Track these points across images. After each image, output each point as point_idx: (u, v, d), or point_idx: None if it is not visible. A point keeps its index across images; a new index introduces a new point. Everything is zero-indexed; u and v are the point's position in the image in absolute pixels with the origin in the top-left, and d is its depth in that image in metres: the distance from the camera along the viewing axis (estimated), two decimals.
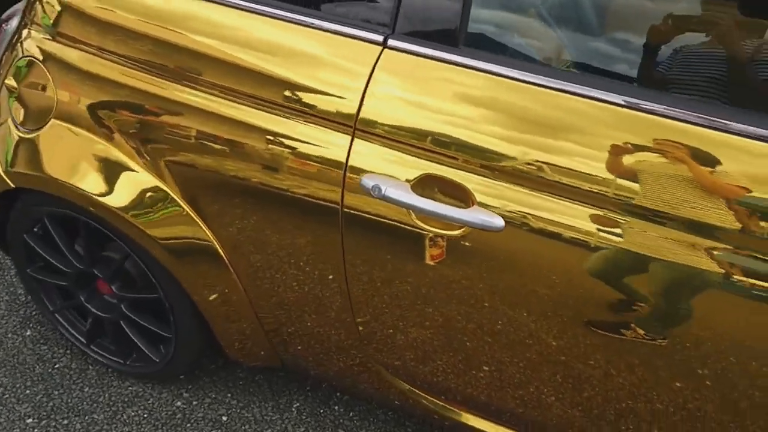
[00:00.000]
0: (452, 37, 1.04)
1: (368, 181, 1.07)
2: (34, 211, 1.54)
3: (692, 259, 0.93)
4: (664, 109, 0.93)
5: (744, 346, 0.94)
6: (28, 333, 1.88)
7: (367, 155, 1.09)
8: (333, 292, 1.27)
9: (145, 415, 1.67)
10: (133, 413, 1.67)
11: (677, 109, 0.92)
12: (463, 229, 1.05)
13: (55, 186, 1.38)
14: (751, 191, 0.89)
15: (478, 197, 1.03)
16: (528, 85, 0.99)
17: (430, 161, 1.04)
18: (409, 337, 1.25)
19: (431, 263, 1.10)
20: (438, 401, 1.35)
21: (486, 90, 1.01)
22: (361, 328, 1.30)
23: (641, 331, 1.00)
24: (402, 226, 1.09)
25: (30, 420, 1.63)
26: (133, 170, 1.31)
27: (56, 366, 1.79)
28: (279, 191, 1.18)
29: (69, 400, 1.69)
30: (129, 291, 1.57)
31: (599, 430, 1.17)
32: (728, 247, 0.91)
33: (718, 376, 0.98)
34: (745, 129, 0.89)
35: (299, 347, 1.46)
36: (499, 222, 1.01)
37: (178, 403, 1.71)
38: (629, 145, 0.94)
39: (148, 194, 1.31)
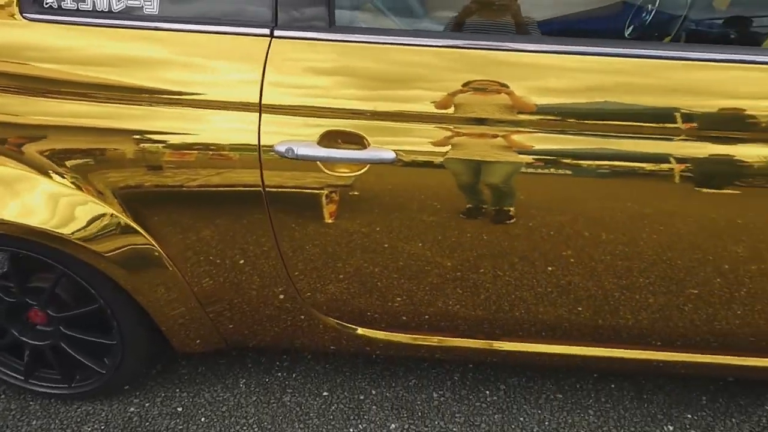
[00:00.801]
0: (323, 20, 1.31)
1: (281, 147, 1.32)
2: None
3: (506, 155, 1.28)
4: (473, 44, 1.28)
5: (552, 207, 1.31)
6: None
7: (275, 130, 1.33)
8: (268, 261, 1.49)
9: (102, 427, 1.77)
10: (89, 429, 1.76)
11: (478, 42, 1.28)
12: (366, 167, 1.33)
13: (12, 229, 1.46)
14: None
15: (371, 140, 1.31)
16: (379, 46, 1.29)
17: (329, 118, 1.31)
18: (336, 276, 1.50)
19: (340, 213, 1.37)
20: (363, 329, 1.61)
21: (353, 57, 1.30)
22: (296, 283, 1.53)
23: (496, 217, 1.35)
24: (314, 188, 1.35)
25: None
26: (67, 194, 1.44)
27: None
28: (205, 187, 1.38)
29: None
30: (65, 311, 1.67)
31: (504, 308, 1.50)
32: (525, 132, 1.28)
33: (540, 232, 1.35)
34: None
35: (240, 320, 1.65)
36: (391, 155, 1.30)
37: (132, 409, 1.82)
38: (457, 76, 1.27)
39: (88, 214, 1.45)
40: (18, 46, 1.38)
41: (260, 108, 1.33)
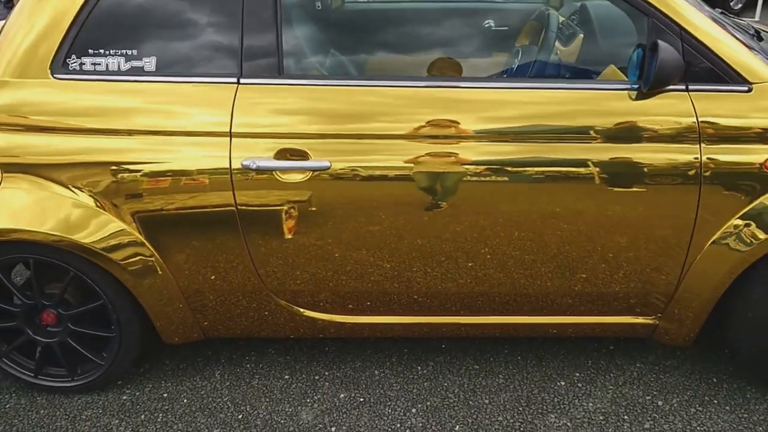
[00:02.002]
0: (275, 71, 1.84)
1: (247, 162, 1.81)
2: None
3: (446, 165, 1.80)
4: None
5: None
6: None
7: (243, 151, 1.82)
8: (239, 263, 1.95)
9: (100, 412, 2.12)
10: (90, 413, 2.11)
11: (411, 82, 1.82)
12: (309, 174, 1.82)
13: (29, 234, 1.89)
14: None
15: (312, 154, 1.81)
16: (314, 87, 1.83)
17: (279, 139, 1.82)
18: (295, 268, 1.95)
19: (294, 217, 1.85)
20: (319, 314, 2.05)
21: (301, 97, 1.82)
22: (262, 277, 1.97)
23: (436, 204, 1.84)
24: (271, 205, 1.83)
25: None
26: (93, 214, 1.89)
27: (7, 406, 2.16)
28: (190, 210, 1.86)
29: (30, 421, 2.08)
30: (73, 309, 2.07)
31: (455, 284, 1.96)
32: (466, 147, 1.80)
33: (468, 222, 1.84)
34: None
35: (217, 314, 2.07)
36: (327, 164, 1.80)
37: (124, 397, 2.19)
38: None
39: (109, 230, 1.90)
40: (49, 100, 1.88)
41: (230, 134, 1.83)
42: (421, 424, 2.02)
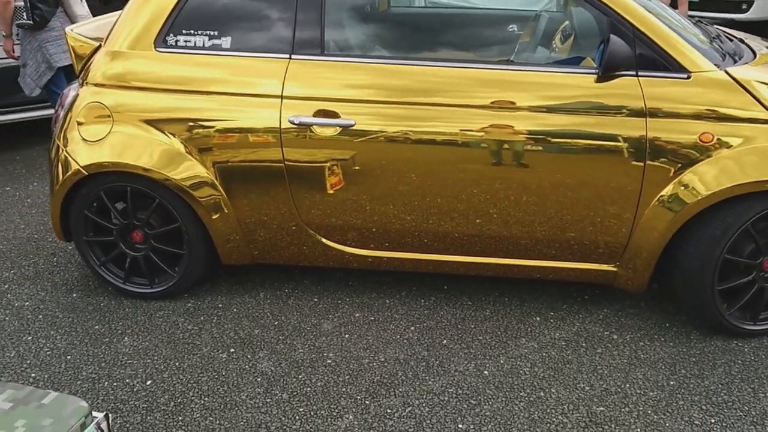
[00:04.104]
0: (319, 48, 2.42)
1: (292, 118, 2.38)
2: (94, 192, 2.65)
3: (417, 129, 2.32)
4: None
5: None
6: (74, 295, 2.88)
7: (289, 111, 2.40)
8: (283, 204, 2.52)
9: (170, 312, 2.73)
10: (162, 313, 2.73)
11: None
12: (339, 129, 2.37)
13: (135, 168, 2.52)
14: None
15: (341, 113, 2.37)
16: (364, 64, 2.38)
17: (318, 102, 2.38)
18: (323, 203, 2.51)
19: (326, 159, 2.41)
20: (347, 248, 2.60)
21: (335, 71, 2.38)
22: (299, 210, 2.54)
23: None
24: (310, 161, 2.40)
25: (98, 327, 2.64)
26: (181, 155, 2.51)
27: (102, 304, 2.80)
28: (250, 162, 2.45)
29: (119, 315, 2.72)
30: (155, 229, 2.69)
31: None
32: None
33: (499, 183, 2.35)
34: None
35: (263, 242, 2.65)
36: (352, 122, 2.35)
37: (189, 305, 2.79)
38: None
39: (193, 171, 2.51)
40: (151, 69, 2.52)
41: (281, 98, 2.41)
42: (416, 337, 2.52)
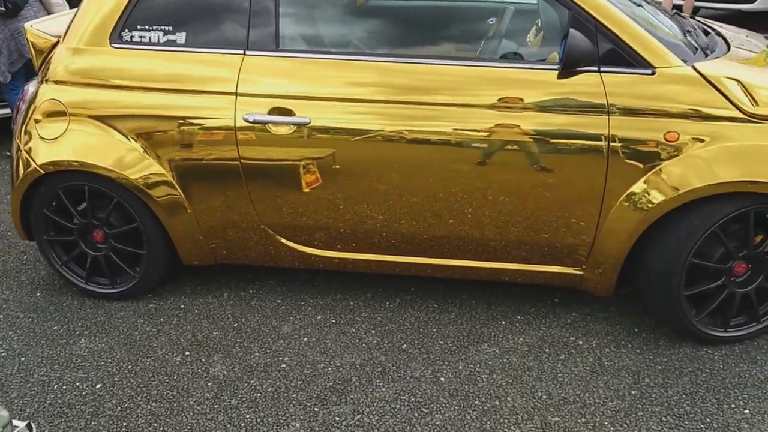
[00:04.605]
0: (273, 43, 2.34)
1: (247, 116, 2.32)
2: (52, 191, 2.61)
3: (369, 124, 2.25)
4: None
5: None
6: (38, 294, 2.85)
7: (244, 109, 2.33)
8: (241, 204, 2.46)
9: (131, 313, 2.69)
10: (122, 314, 2.68)
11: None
12: (294, 127, 2.30)
13: (90, 167, 2.47)
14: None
15: (297, 111, 2.30)
16: (298, 59, 2.31)
17: (273, 99, 2.31)
18: (283, 204, 2.44)
19: (280, 157, 2.34)
20: (313, 250, 2.54)
21: (291, 67, 2.31)
22: (257, 210, 2.47)
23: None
24: (266, 159, 2.33)
25: (56, 327, 2.60)
26: (137, 154, 2.46)
27: (64, 304, 2.76)
28: (206, 161, 2.39)
29: (79, 316, 2.68)
30: (115, 228, 2.64)
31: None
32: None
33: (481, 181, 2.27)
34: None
35: (224, 243, 2.59)
36: (307, 119, 2.28)
37: (150, 305, 2.74)
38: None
39: (150, 171, 2.46)
40: (107, 65, 2.46)
41: (236, 94, 2.35)
42: (376, 341, 2.46)
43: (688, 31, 2.46)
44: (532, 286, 2.73)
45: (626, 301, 2.64)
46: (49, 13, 3.96)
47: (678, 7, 8.05)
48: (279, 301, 2.74)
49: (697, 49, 2.31)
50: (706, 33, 2.59)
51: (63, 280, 2.88)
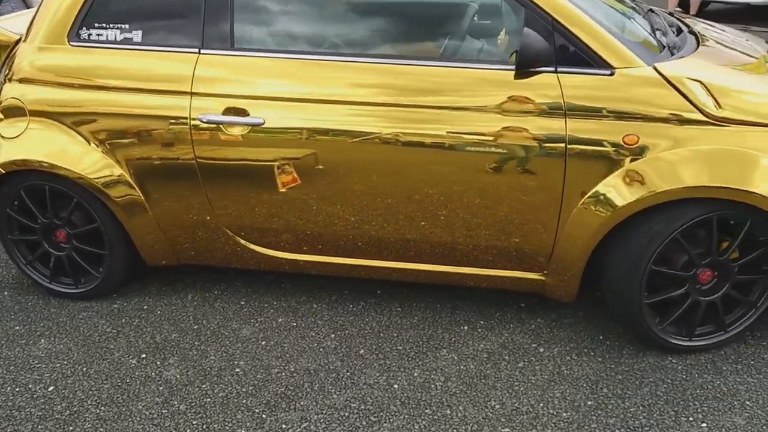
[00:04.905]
0: (228, 42, 2.30)
1: (201, 116, 2.28)
2: (14, 190, 2.59)
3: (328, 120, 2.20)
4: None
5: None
6: (5, 293, 2.84)
7: (198, 108, 2.29)
8: (199, 205, 2.42)
9: (93, 314, 2.67)
10: (86, 314, 2.67)
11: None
12: (248, 128, 2.26)
13: (49, 166, 2.45)
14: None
15: (251, 111, 2.25)
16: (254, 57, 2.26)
17: (227, 99, 2.27)
18: (241, 205, 2.40)
19: (235, 158, 2.30)
20: (272, 251, 2.49)
21: (245, 66, 2.26)
22: (215, 211, 2.44)
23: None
24: (222, 159, 2.29)
25: (18, 327, 2.59)
26: (94, 153, 2.44)
27: (29, 304, 2.75)
28: (163, 161, 2.36)
29: (42, 316, 2.67)
30: (77, 228, 2.62)
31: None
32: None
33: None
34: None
35: (187, 245, 2.56)
36: (261, 120, 2.24)
37: (114, 306, 2.72)
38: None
39: (107, 169, 2.43)
40: (65, 63, 2.43)
41: (191, 92, 2.31)
42: (333, 346, 2.41)
43: (658, 29, 2.38)
44: (500, 291, 2.67)
45: (594, 306, 2.57)
46: (28, 8, 3.96)
47: (685, 3, 7.89)
48: (243, 302, 2.70)
49: (663, 48, 2.22)
50: (680, 31, 2.49)
51: (30, 280, 2.87)
